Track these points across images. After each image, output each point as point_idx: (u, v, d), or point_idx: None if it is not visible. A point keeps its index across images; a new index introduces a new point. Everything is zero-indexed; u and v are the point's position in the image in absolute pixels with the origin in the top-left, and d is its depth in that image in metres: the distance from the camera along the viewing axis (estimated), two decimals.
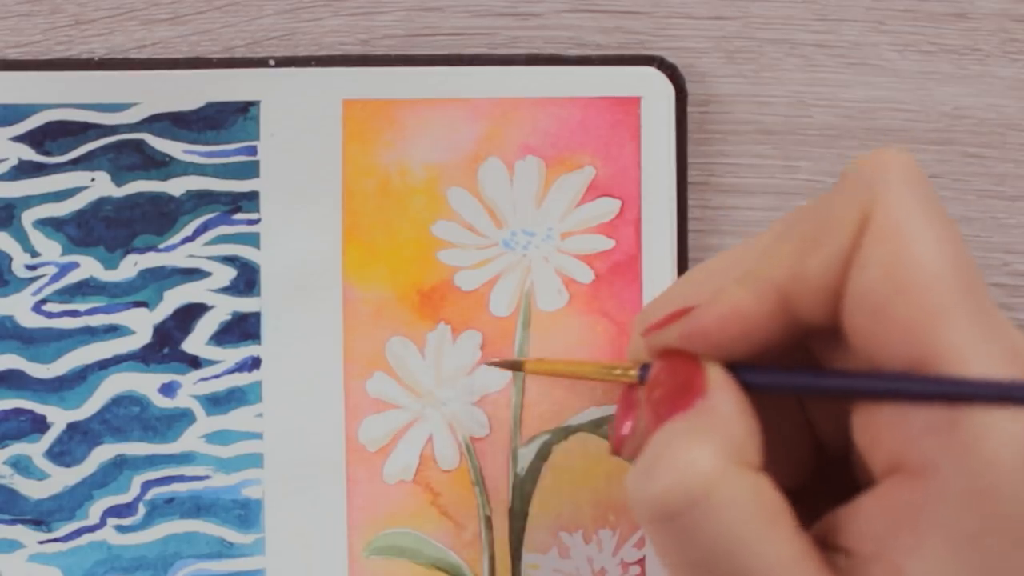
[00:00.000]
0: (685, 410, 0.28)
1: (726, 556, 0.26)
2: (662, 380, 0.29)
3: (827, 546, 0.27)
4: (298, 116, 0.37)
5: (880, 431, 0.27)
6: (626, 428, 0.31)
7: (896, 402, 0.26)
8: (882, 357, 0.26)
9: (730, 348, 0.28)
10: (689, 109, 0.37)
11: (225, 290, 0.37)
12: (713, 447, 0.26)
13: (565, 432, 0.37)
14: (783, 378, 0.29)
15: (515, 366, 0.36)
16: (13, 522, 0.36)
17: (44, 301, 0.37)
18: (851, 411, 0.28)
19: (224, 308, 0.37)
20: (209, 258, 0.37)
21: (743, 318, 0.28)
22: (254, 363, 0.37)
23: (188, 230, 0.37)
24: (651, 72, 0.37)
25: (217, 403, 0.37)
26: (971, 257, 0.26)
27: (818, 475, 0.31)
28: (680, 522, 0.26)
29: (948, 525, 0.25)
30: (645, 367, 0.30)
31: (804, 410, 0.31)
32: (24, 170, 0.37)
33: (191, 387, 0.37)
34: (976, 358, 0.25)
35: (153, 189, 0.37)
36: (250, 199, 0.37)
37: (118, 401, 0.37)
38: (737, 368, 0.28)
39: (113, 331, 0.37)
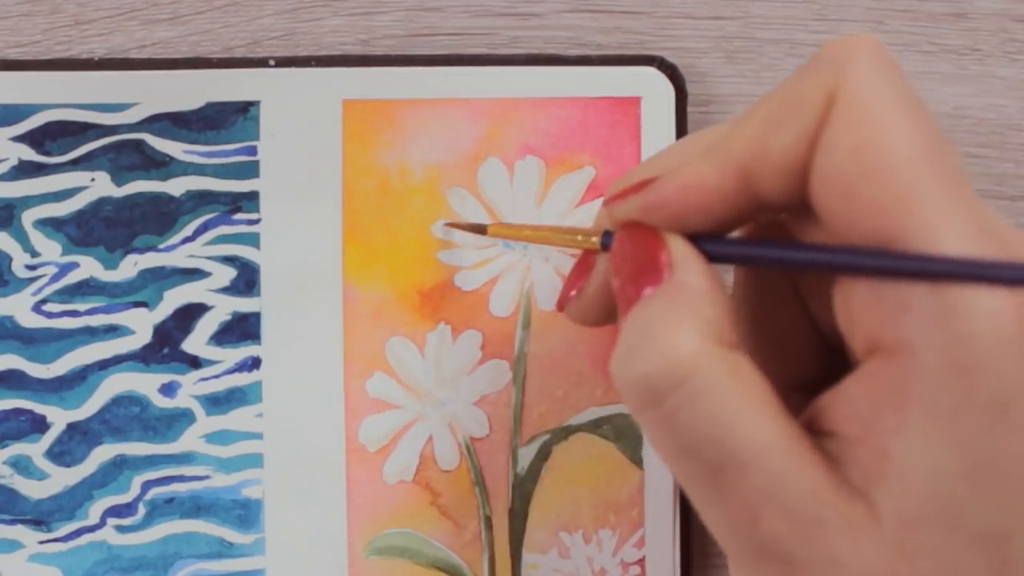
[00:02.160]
0: (654, 285, 0.28)
1: (712, 440, 0.26)
2: (626, 251, 0.29)
3: (815, 431, 0.27)
4: (298, 116, 0.37)
5: (857, 311, 0.26)
6: (574, 288, 0.32)
7: (866, 277, 0.26)
8: (853, 235, 0.26)
9: (689, 220, 0.28)
10: (689, 109, 0.38)
11: (225, 290, 0.37)
12: (692, 327, 0.26)
13: (565, 432, 0.37)
14: (747, 249, 0.29)
15: (478, 229, 0.36)
16: (13, 522, 0.36)
17: (44, 301, 0.37)
18: (832, 293, 0.28)
19: (224, 308, 0.37)
20: (209, 258, 0.37)
21: (703, 191, 0.28)
22: (254, 363, 0.37)
23: (188, 230, 0.37)
24: (651, 72, 0.37)
25: (217, 403, 0.37)
26: (942, 138, 0.26)
27: (827, 371, 0.30)
28: (665, 405, 0.26)
29: (929, 402, 0.25)
30: (607, 234, 0.30)
31: (805, 304, 0.31)
32: (24, 170, 0.37)
33: (191, 387, 0.37)
34: (948, 237, 0.25)
35: (153, 189, 0.37)
36: (250, 199, 0.37)
37: (118, 401, 0.37)
38: (699, 240, 0.28)
39: (113, 331, 0.37)
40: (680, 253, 0.28)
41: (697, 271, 0.28)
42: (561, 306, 0.33)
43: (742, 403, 0.26)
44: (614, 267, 0.29)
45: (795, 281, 0.31)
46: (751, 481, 0.26)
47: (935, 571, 0.25)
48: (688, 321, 0.27)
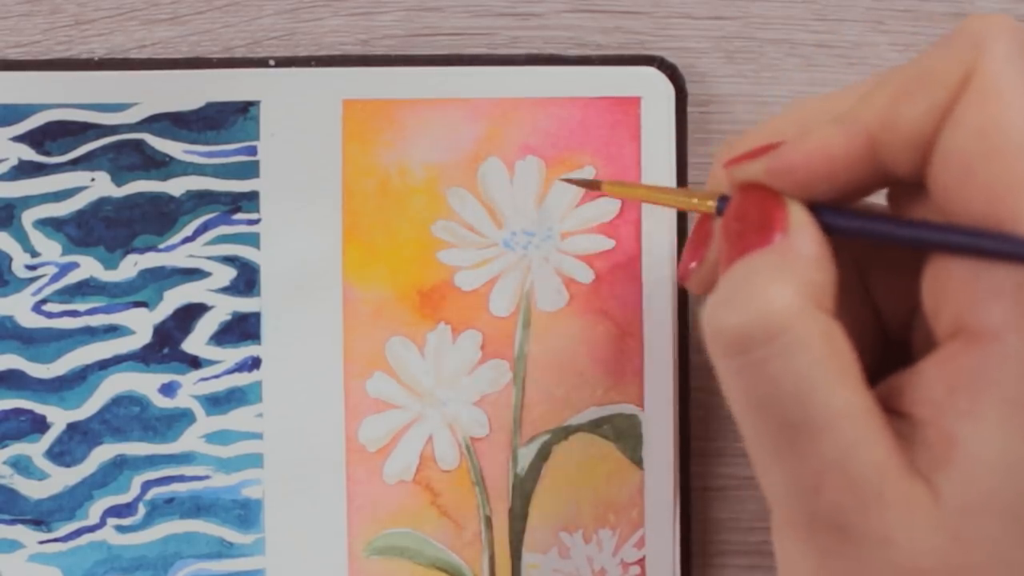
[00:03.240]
0: (764, 246, 0.27)
1: (794, 398, 0.26)
2: (742, 214, 0.28)
3: (886, 410, 0.27)
4: (298, 116, 0.37)
5: (949, 292, 0.26)
6: (695, 259, 0.31)
7: (971, 256, 0.26)
8: (963, 216, 0.26)
9: (814, 187, 0.28)
10: (689, 109, 0.37)
11: (225, 290, 0.37)
12: (793, 286, 0.26)
13: (565, 432, 0.37)
14: (864, 223, 0.28)
15: (592, 185, 0.35)
16: (13, 522, 0.36)
17: (44, 301, 0.37)
18: (923, 273, 0.27)
19: (224, 308, 0.37)
20: (209, 258, 0.37)
21: (831, 158, 0.27)
22: (254, 363, 0.37)
23: (188, 230, 0.37)
24: (651, 72, 0.37)
25: (217, 403, 0.37)
26: None
27: (884, 360, 0.30)
28: (754, 356, 0.26)
29: (1008, 390, 0.25)
30: (723, 199, 0.30)
31: (868, 290, 0.31)
32: (24, 170, 0.37)
33: (191, 387, 0.37)
34: None
35: (153, 189, 0.37)
36: (250, 199, 0.37)
37: (118, 401, 0.37)
38: (819, 210, 0.28)
39: (113, 331, 0.37)
40: (797, 218, 0.28)
41: (811, 238, 0.27)
42: (684, 278, 0.32)
43: (830, 368, 0.26)
44: (725, 227, 0.29)
45: (863, 266, 0.31)
46: (823, 446, 0.26)
47: (988, 562, 0.25)
48: (792, 280, 0.26)
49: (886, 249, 0.30)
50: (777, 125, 0.30)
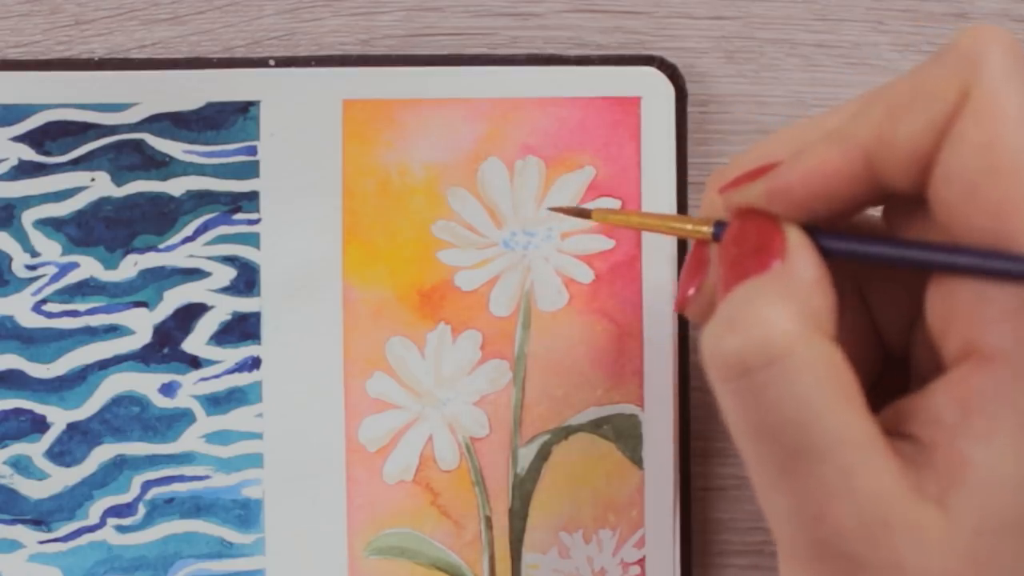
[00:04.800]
0: (762, 271, 0.27)
1: (795, 423, 0.26)
2: (739, 239, 0.28)
3: (892, 434, 0.26)
4: (298, 116, 0.37)
5: (957, 314, 0.26)
6: (692, 286, 0.31)
7: (978, 277, 0.26)
8: (965, 235, 0.26)
9: (812, 208, 0.28)
10: (689, 109, 0.37)
11: (225, 290, 0.37)
12: (793, 310, 0.26)
13: (565, 432, 0.37)
14: (864, 246, 0.28)
15: (582, 213, 0.35)
16: (13, 522, 0.36)
17: (44, 301, 0.37)
18: (927, 294, 0.27)
19: (224, 308, 0.37)
20: (209, 258, 0.37)
21: (828, 177, 0.27)
22: (254, 363, 0.37)
23: (188, 230, 0.37)
24: (651, 72, 0.37)
25: (217, 403, 0.37)
26: None
27: (879, 381, 0.30)
28: (754, 380, 0.26)
29: (1019, 411, 0.25)
30: (719, 224, 0.30)
31: (869, 310, 0.31)
32: (24, 170, 0.37)
33: (191, 387, 0.37)
34: None
35: (153, 189, 0.37)
36: (250, 199, 0.37)
37: (118, 401, 0.37)
38: (816, 233, 0.28)
39: (113, 331, 0.37)
40: (795, 243, 0.28)
41: (809, 262, 0.27)
42: (681, 307, 0.32)
43: (831, 393, 0.26)
44: (723, 253, 0.29)
45: (863, 288, 0.31)
46: (826, 472, 0.25)
47: None
48: (792, 305, 0.26)
49: (886, 272, 0.30)
50: (767, 148, 0.30)
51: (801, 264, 0.27)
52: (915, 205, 0.28)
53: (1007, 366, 0.25)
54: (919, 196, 0.27)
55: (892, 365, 0.31)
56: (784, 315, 0.26)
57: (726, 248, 0.28)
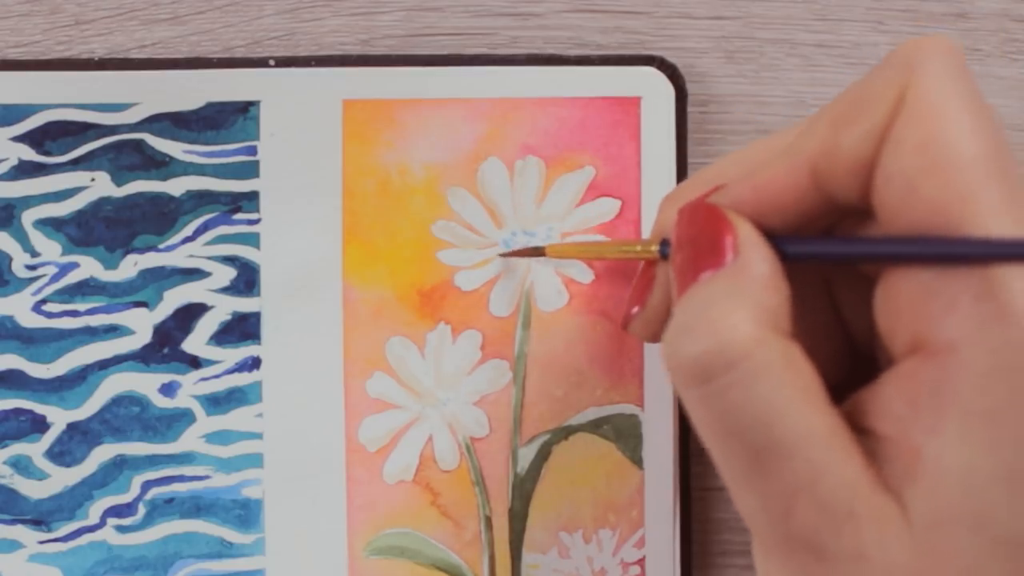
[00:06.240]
0: (716, 267, 0.27)
1: (758, 424, 0.26)
2: (691, 239, 0.29)
3: (852, 428, 0.27)
4: (298, 116, 0.37)
5: (903, 309, 0.26)
6: (637, 303, 0.32)
7: (924, 264, 0.26)
8: (910, 233, 0.26)
9: (764, 222, 0.28)
10: (689, 109, 0.38)
11: (225, 290, 0.37)
12: (750, 311, 0.26)
13: (565, 432, 0.37)
14: (810, 246, 0.29)
15: (535, 252, 0.36)
16: (13, 522, 0.36)
17: (44, 301, 0.37)
18: (875, 291, 0.28)
19: (224, 308, 0.37)
20: (209, 258, 0.37)
21: (776, 191, 0.28)
22: (254, 363, 0.37)
23: (188, 230, 0.37)
24: (651, 72, 0.37)
25: (217, 403, 0.37)
26: (1005, 142, 0.26)
27: (853, 375, 0.31)
28: (715, 385, 0.26)
29: (969, 403, 0.25)
30: (665, 243, 0.30)
31: (836, 306, 0.31)
32: (24, 170, 0.37)
33: (191, 387, 0.37)
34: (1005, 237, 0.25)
35: (153, 189, 0.37)
36: (250, 199, 0.37)
37: (118, 401, 0.37)
38: (771, 236, 0.28)
39: (113, 331, 0.37)
40: (746, 236, 0.28)
41: (761, 257, 0.28)
42: (625, 324, 0.33)
43: (792, 391, 0.26)
44: (675, 247, 0.29)
45: (830, 284, 0.31)
46: (791, 469, 0.26)
47: (959, 574, 0.25)
48: (747, 306, 0.27)
49: (849, 267, 0.30)
50: (720, 169, 0.30)
51: (755, 259, 0.27)
52: (867, 219, 0.28)
53: (953, 358, 0.25)
54: (867, 208, 0.27)
55: (863, 362, 0.31)
56: (740, 318, 0.26)
57: (678, 248, 0.29)
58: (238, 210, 0.37)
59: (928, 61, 0.26)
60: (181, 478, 0.37)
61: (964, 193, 0.25)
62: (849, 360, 0.31)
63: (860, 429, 0.27)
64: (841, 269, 0.31)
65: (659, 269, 0.32)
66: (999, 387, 0.24)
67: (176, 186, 0.37)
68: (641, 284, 0.32)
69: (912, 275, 0.26)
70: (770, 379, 0.26)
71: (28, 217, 0.37)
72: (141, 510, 0.37)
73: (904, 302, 0.26)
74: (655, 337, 0.32)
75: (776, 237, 0.28)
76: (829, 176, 0.27)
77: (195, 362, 0.37)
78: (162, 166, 0.37)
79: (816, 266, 0.30)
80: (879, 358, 0.30)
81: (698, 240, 0.28)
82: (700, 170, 0.32)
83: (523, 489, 0.37)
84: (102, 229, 0.37)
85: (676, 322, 0.27)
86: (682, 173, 0.37)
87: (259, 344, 0.37)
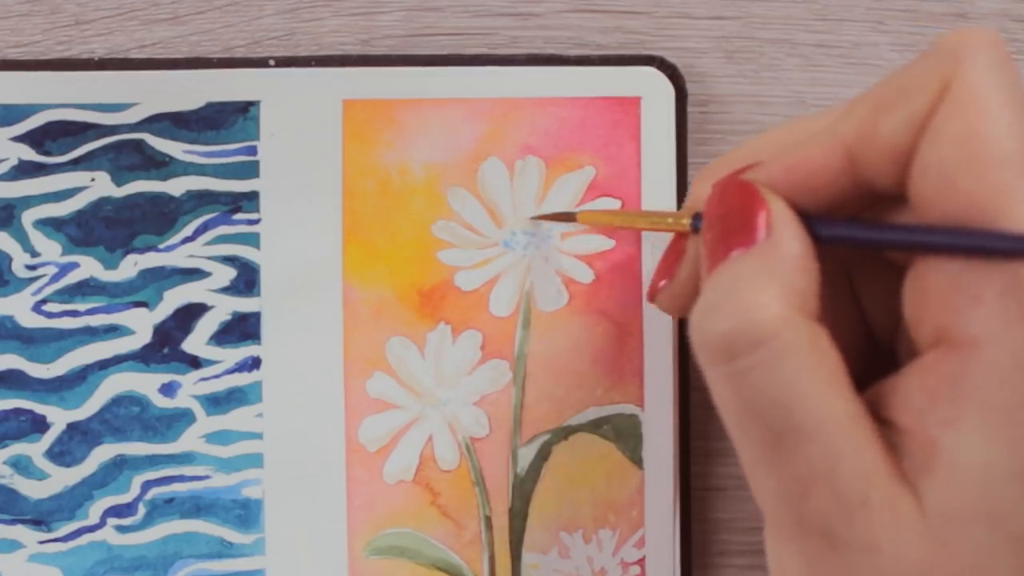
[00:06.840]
0: (747, 246, 0.27)
1: (780, 406, 0.26)
2: (723, 215, 0.28)
3: (872, 418, 0.27)
4: (298, 116, 0.37)
5: (930, 300, 0.26)
6: (665, 277, 0.32)
7: (956, 255, 0.26)
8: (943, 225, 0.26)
9: (796, 202, 0.28)
10: (689, 109, 0.37)
11: (225, 290, 0.37)
12: (779, 291, 0.26)
13: (565, 432, 0.37)
14: (847, 229, 0.28)
15: (567, 217, 0.36)
16: (13, 522, 0.36)
17: (44, 301, 0.37)
18: (904, 281, 0.27)
19: (224, 308, 0.37)
20: (209, 258, 0.37)
21: (810, 172, 0.28)
22: (254, 363, 0.37)
23: (188, 230, 0.37)
24: (651, 72, 0.37)
25: (217, 403, 0.37)
26: None
27: (871, 368, 0.30)
28: (740, 364, 0.26)
29: (988, 398, 0.25)
30: (698, 217, 0.30)
31: (856, 297, 0.31)
32: (24, 170, 0.37)
33: (191, 387, 0.37)
34: None
35: (153, 189, 0.37)
36: (250, 199, 0.37)
37: (118, 401, 0.37)
38: (803, 217, 0.28)
39: (113, 331, 0.37)
40: (779, 215, 0.28)
41: (794, 236, 0.27)
42: (652, 296, 0.32)
43: (816, 375, 0.26)
44: (707, 223, 0.29)
45: (851, 274, 0.31)
46: (810, 453, 0.26)
47: (972, 570, 0.25)
48: (776, 286, 0.26)
49: (872, 256, 0.30)
50: (757, 145, 0.30)
51: (787, 238, 0.27)
52: (900, 205, 0.28)
53: (975, 352, 0.25)
54: (901, 196, 0.27)
55: (881, 354, 0.31)
56: (769, 297, 0.26)
57: (709, 225, 0.29)
58: (238, 210, 0.37)
59: (974, 53, 0.26)
60: (181, 478, 0.37)
61: (1001, 188, 0.25)
62: (868, 353, 0.31)
63: (880, 420, 0.27)
64: (865, 258, 0.31)
65: (689, 243, 0.31)
66: (1019, 383, 0.24)
67: (176, 186, 0.37)
68: (670, 257, 0.32)
69: (941, 266, 0.26)
70: (795, 361, 0.26)
71: (28, 217, 0.37)
72: (141, 510, 0.37)
73: (932, 292, 0.26)
74: (680, 311, 0.32)
75: (808, 218, 0.28)
76: (865, 161, 0.27)
77: (195, 362, 0.37)
78: (162, 166, 0.37)
79: (838, 255, 0.30)
80: (899, 351, 0.30)
81: (730, 217, 0.28)
82: (737, 146, 0.31)
83: (523, 489, 0.37)
84: (102, 229, 0.37)
85: (704, 299, 0.27)
86: (682, 173, 0.37)
87: (259, 344, 0.37)
